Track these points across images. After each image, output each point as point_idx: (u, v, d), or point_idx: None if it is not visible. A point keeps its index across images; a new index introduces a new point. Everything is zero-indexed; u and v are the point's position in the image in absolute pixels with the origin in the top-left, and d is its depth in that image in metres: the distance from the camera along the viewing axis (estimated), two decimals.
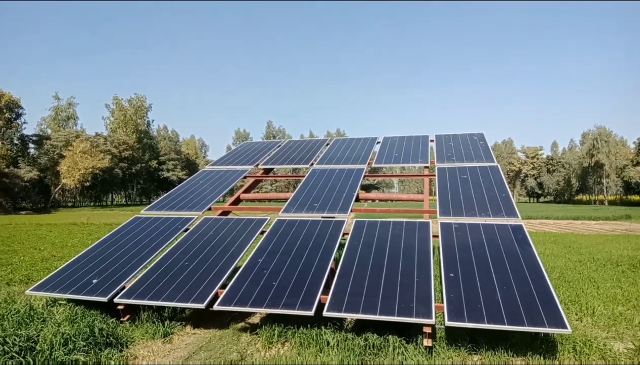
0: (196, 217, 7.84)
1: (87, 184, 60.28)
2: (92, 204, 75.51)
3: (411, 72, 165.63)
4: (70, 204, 70.17)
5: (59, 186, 61.09)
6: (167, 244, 6.99)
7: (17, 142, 59.82)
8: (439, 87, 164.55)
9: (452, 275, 5.44)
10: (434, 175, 8.56)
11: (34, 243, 15.36)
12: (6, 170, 52.10)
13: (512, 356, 4.73)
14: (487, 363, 4.62)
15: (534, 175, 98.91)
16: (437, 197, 7.54)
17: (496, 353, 4.75)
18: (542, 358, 4.65)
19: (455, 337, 5.07)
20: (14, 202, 53.70)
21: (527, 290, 4.99)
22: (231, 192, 12.44)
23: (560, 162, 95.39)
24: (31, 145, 63.81)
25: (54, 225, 25.69)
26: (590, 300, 6.77)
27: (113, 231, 7.64)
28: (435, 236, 6.49)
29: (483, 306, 4.80)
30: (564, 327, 4.40)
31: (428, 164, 9.28)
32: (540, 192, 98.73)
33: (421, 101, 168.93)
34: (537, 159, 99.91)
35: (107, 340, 4.85)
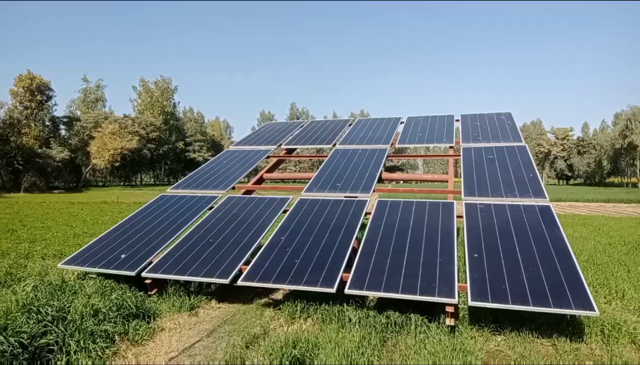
0: (220, 195, 7.94)
1: (117, 164, 61.73)
2: (121, 183, 77.35)
3: (437, 52, 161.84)
4: (100, 184, 72.16)
5: (90, 166, 62.79)
6: (192, 221, 7.12)
7: (48, 123, 61.43)
8: (466, 67, 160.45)
9: (476, 255, 5.37)
10: (459, 156, 8.41)
11: (67, 220, 15.86)
12: (39, 150, 53.76)
13: (537, 337, 4.67)
14: (511, 344, 4.57)
15: (563, 157, 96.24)
16: (461, 178, 7.42)
17: (520, 334, 4.70)
18: (568, 340, 4.58)
19: (478, 317, 5.04)
20: (47, 181, 55.54)
21: (554, 272, 4.90)
22: (255, 172, 12.52)
23: (591, 143, 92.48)
24: (62, 126, 65.53)
25: (85, 203, 26.46)
26: (620, 284, 6.60)
27: (140, 209, 7.82)
28: (460, 217, 6.40)
29: (507, 286, 4.74)
30: (592, 309, 4.31)
31: (453, 144, 9.10)
32: (570, 174, 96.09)
33: (447, 82, 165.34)
34: (567, 140, 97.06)
35: (136, 312, 5.00)
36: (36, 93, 56.78)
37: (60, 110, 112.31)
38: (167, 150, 77.90)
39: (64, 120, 65.57)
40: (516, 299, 4.55)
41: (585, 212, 21.73)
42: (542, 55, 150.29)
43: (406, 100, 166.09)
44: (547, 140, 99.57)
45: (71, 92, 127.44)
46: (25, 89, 55.76)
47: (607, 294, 6.22)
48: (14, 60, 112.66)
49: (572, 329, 4.79)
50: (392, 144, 9.49)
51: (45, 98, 58.64)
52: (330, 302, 5.35)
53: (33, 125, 55.91)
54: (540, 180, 7.05)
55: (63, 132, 65.63)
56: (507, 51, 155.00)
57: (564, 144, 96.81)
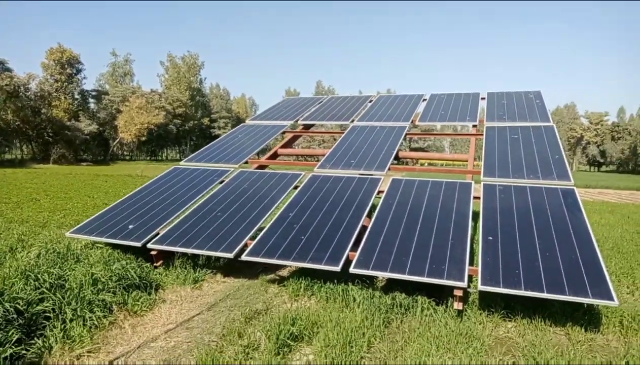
0: (232, 169, 7.83)
1: (143, 138, 62.43)
2: (148, 158, 78.63)
3: (469, 29, 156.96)
4: (127, 157, 73.48)
5: (117, 140, 63.81)
6: (202, 194, 7.03)
7: (77, 96, 62.26)
8: (498, 45, 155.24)
9: (490, 238, 5.12)
10: (482, 135, 8.05)
11: (89, 192, 16.11)
12: (68, 123, 54.78)
13: (550, 325, 4.44)
14: (522, 331, 4.34)
15: (596, 142, 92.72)
16: (482, 158, 7.10)
17: (532, 321, 4.47)
18: (583, 330, 4.33)
19: (488, 302, 4.81)
20: (75, 153, 56.76)
21: (572, 258, 4.61)
22: (270, 147, 12.40)
23: (626, 129, 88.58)
24: (91, 100, 66.46)
25: (110, 176, 26.92)
26: None
27: (152, 180, 7.79)
28: (478, 198, 6.12)
29: (521, 272, 4.49)
30: (610, 299, 4.03)
31: (476, 123, 8.72)
32: (602, 160, 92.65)
33: (481, 62, 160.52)
34: (602, 125, 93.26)
35: (137, 283, 4.96)
36: (66, 66, 57.60)
37: (89, 83, 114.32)
38: (193, 126, 78.45)
39: (93, 93, 66.52)
40: (529, 284, 4.30)
41: (615, 199, 20.91)
42: (578, 37, 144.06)
43: (438, 80, 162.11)
44: (580, 124, 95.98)
45: (101, 66, 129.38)
46: (56, 62, 56.63)
47: (631, 284, 5.89)
48: (45, 34, 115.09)
49: (588, 318, 4.53)
50: (412, 122, 9.17)
51: (75, 71, 59.44)
52: (335, 281, 5.20)
53: (63, 98, 56.91)
54: (566, 162, 6.68)
55: (92, 105, 66.65)
56: (543, 31, 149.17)
57: (598, 129, 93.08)
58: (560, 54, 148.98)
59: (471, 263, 4.79)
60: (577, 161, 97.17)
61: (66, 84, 57.99)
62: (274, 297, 5.25)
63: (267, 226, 5.89)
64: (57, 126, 52.90)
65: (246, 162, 8.13)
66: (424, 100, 10.49)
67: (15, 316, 3.69)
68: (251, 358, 3.70)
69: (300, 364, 3.70)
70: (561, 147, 7.20)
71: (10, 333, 3.49)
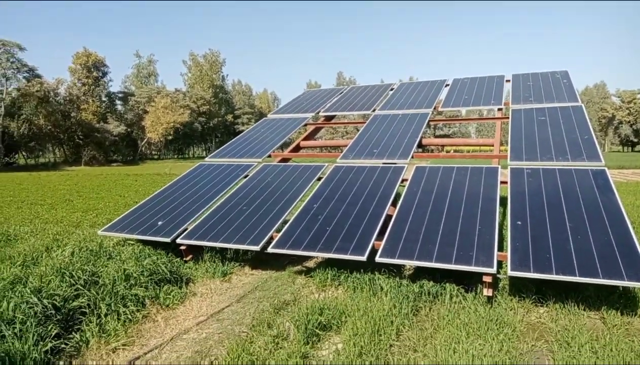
0: (256, 164, 7.90)
1: (170, 137, 63.61)
2: (175, 156, 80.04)
3: (491, 12, 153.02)
4: (156, 157, 74.92)
5: (145, 140, 65.13)
6: (227, 189, 7.13)
7: (104, 99, 63.83)
8: (520, 25, 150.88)
9: (519, 223, 5.02)
10: (508, 118, 7.88)
11: (120, 191, 16.53)
12: (97, 125, 56.29)
13: (584, 310, 4.33)
14: (554, 316, 4.26)
15: (629, 121, 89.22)
16: (509, 141, 6.95)
17: (565, 306, 4.37)
18: (618, 313, 4.21)
19: (519, 288, 4.73)
20: (105, 155, 58.31)
21: (606, 241, 4.48)
22: (292, 140, 12.42)
23: None
24: (118, 101, 68.03)
25: (140, 175, 27.53)
26: None
27: (179, 177, 7.93)
28: (505, 183, 6.00)
29: (552, 256, 4.39)
30: None
31: (502, 106, 8.54)
32: (636, 140, 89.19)
33: (497, 43, 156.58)
34: (635, 103, 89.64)
35: (169, 277, 5.09)
36: (92, 70, 59.00)
37: (115, 85, 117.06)
38: (217, 123, 79.38)
39: (120, 95, 68.06)
40: (561, 269, 4.20)
41: None
42: (607, 12, 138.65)
43: (461, 65, 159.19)
44: (611, 104, 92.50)
45: (125, 68, 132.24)
46: (82, 65, 58.09)
47: None
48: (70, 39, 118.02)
49: (624, 301, 4.40)
50: (435, 108, 9.04)
51: (101, 74, 60.84)
52: (362, 271, 5.20)
53: (91, 101, 58.38)
54: (596, 142, 6.48)
55: (119, 107, 68.21)
56: (569, 9, 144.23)
57: (630, 107, 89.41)
58: (587, 32, 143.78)
59: (500, 248, 4.71)
60: (609, 142, 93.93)
61: (93, 87, 59.42)
62: (301, 288, 5.29)
63: (292, 218, 5.93)
64: (86, 129, 54.41)
65: (269, 156, 8.19)
66: (447, 85, 10.33)
67: (53, 312, 3.84)
68: (281, 348, 3.75)
69: (329, 352, 3.72)
70: (590, 127, 6.98)
71: (49, 328, 3.64)
